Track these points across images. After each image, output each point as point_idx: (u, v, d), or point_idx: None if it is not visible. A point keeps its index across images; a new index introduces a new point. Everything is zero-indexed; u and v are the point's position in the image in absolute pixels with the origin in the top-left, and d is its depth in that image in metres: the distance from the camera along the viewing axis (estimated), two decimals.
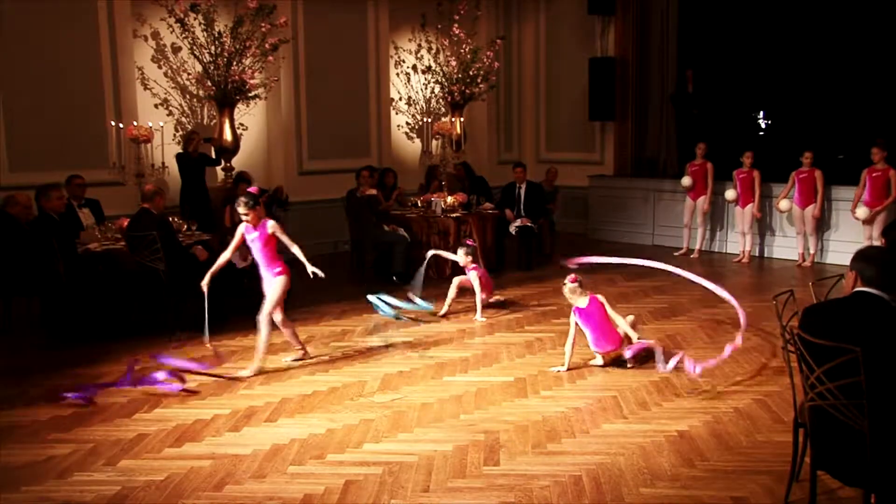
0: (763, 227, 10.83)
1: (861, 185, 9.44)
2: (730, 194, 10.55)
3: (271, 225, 6.10)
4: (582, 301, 6.19)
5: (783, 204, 10.09)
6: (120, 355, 6.53)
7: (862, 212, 9.36)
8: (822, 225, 10.15)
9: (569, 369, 6.06)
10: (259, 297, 6.18)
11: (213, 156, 9.45)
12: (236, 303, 7.83)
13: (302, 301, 8.30)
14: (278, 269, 6.15)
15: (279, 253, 6.28)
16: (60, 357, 6.54)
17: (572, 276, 6.27)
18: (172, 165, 9.34)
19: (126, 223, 7.64)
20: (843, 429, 3.32)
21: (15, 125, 8.80)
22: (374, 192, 9.39)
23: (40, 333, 7.26)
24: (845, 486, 3.76)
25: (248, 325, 7.42)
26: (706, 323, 7.44)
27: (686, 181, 10.88)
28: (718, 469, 4.37)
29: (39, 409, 5.36)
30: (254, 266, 7.84)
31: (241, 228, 6.20)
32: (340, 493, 4.12)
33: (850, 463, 3.34)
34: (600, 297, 6.23)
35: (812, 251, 10.10)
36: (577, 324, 6.14)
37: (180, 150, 9.74)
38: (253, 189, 6.38)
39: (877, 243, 9.13)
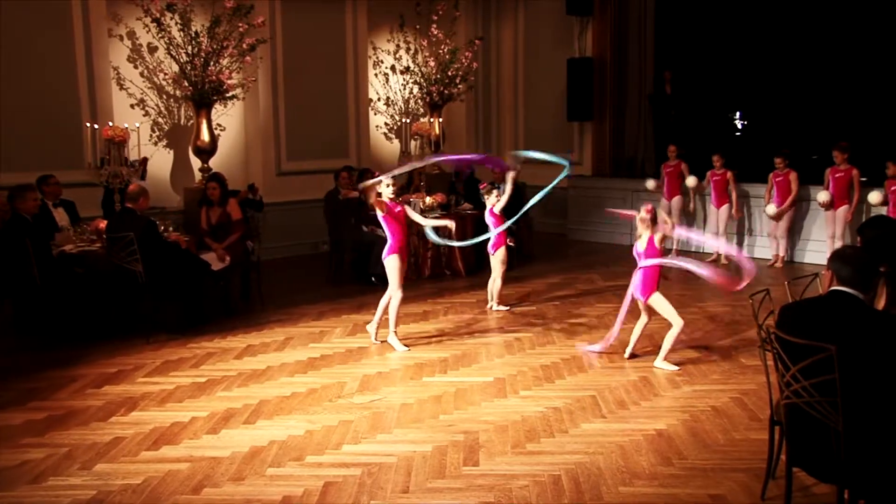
0: (740, 227, 10.91)
1: (825, 185, 9.64)
2: (690, 180, 10.67)
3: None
4: (642, 242, 6.10)
5: (769, 209, 10.10)
6: (95, 358, 6.45)
7: (823, 195, 9.57)
8: (795, 225, 10.24)
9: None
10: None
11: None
12: (214, 305, 7.78)
13: (280, 302, 8.27)
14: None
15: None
16: (33, 360, 6.44)
17: (649, 206, 6.16)
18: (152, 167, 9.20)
19: (103, 224, 7.56)
20: (818, 426, 3.36)
21: None
22: (356, 194, 9.37)
23: (13, 336, 7.15)
24: (820, 483, 3.80)
25: (226, 326, 7.40)
26: (689, 321, 7.46)
27: (650, 184, 10.99)
28: (696, 467, 4.40)
29: (12, 413, 5.28)
30: (230, 267, 7.83)
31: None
32: (320, 495, 4.10)
33: (825, 460, 3.38)
34: (656, 239, 6.07)
35: (782, 253, 10.16)
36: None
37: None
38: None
39: (839, 242, 9.27)
